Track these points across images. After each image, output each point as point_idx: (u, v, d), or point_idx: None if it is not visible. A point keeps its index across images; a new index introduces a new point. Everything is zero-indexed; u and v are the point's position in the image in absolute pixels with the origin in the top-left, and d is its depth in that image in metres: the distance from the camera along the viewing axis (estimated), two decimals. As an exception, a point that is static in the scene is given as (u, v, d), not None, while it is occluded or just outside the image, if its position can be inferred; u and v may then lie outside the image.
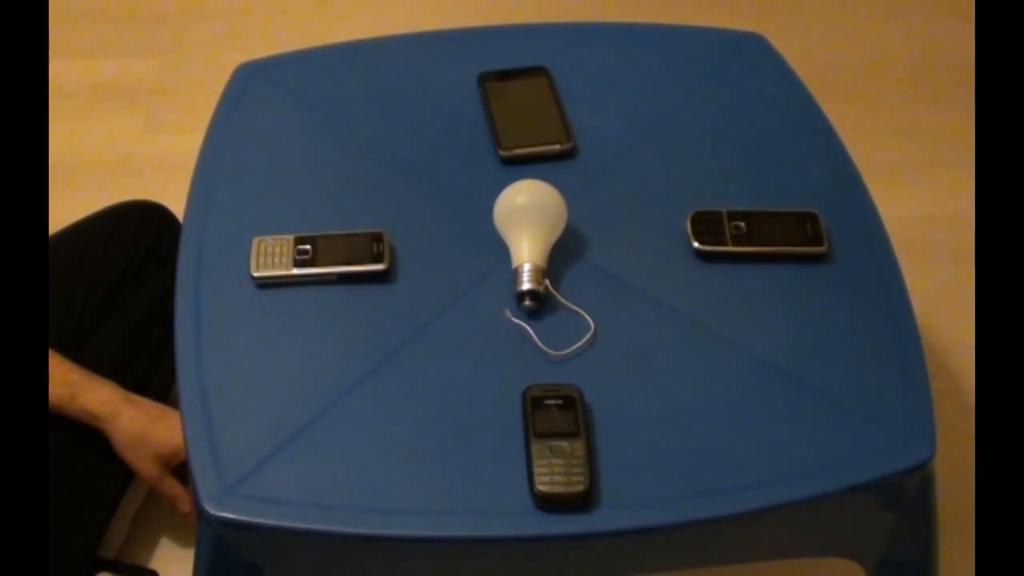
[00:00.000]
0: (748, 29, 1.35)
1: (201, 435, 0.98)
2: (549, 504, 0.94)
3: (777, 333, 1.06)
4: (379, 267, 1.09)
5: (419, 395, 1.01)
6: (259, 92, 1.27)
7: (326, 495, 0.95)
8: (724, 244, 1.11)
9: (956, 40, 2.11)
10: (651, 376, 1.03)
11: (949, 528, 1.11)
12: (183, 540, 1.41)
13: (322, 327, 1.07)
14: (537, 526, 0.94)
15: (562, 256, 1.10)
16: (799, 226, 1.13)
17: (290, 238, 1.10)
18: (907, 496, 1.02)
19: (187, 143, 1.27)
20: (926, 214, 1.81)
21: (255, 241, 1.10)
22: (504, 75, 1.28)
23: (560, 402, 0.99)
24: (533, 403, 0.99)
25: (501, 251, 1.10)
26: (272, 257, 1.09)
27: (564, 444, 0.96)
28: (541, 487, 0.94)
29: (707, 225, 1.12)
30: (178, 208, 1.21)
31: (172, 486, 1.28)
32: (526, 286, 1.05)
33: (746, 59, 1.32)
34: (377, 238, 1.10)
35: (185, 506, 1.30)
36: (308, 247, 1.10)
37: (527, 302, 1.06)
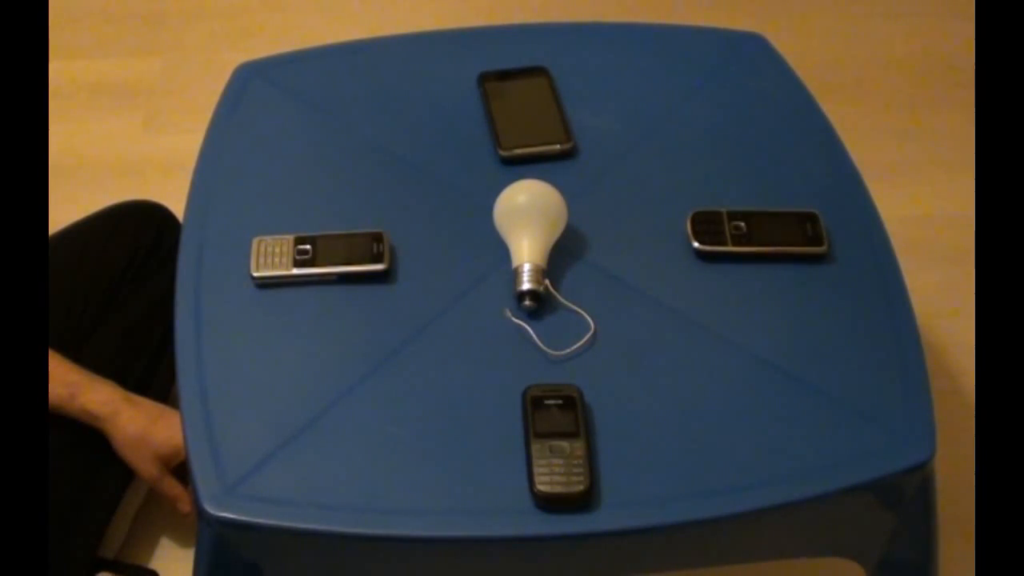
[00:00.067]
0: (748, 29, 1.35)
1: (201, 435, 0.98)
2: (549, 504, 0.94)
3: (777, 333, 1.06)
4: (379, 267, 1.09)
5: (419, 395, 1.01)
6: (259, 92, 1.27)
7: (326, 495, 0.95)
8: (724, 244, 1.11)
9: (956, 40, 2.11)
10: (651, 376, 1.03)
11: (949, 528, 1.11)
12: (183, 540, 1.40)
13: (322, 327, 1.07)
14: (537, 526, 0.94)
15: (562, 256, 1.10)
16: (799, 226, 1.13)
17: (290, 238, 1.10)
18: (907, 496, 1.02)
19: (187, 143, 1.26)
20: (926, 214, 1.81)
21: (255, 241, 1.10)
22: (504, 75, 1.28)
23: (560, 402, 0.99)
24: (533, 403, 0.99)
25: (501, 251, 1.10)
26: (272, 257, 1.09)
27: (564, 444, 0.96)
28: (541, 487, 0.94)
29: (707, 225, 1.12)
30: (178, 208, 1.21)
31: (172, 486, 1.28)
32: (526, 286, 1.05)
33: (746, 59, 1.32)
34: (377, 238, 1.10)
35: (185, 506, 1.29)
36: (308, 247, 1.10)
37: (527, 302, 1.06)
